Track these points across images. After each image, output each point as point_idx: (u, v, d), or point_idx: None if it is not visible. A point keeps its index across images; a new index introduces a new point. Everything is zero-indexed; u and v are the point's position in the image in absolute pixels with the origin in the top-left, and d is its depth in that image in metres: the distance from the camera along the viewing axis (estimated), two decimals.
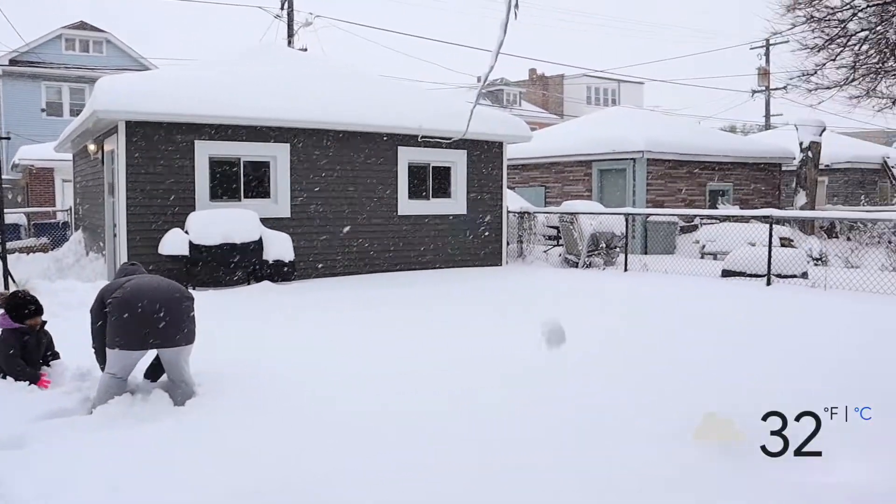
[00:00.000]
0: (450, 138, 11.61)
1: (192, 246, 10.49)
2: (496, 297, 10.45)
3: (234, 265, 10.78)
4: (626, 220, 14.07)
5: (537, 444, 4.41)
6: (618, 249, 14.37)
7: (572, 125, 23.82)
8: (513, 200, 16.92)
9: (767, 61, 34.19)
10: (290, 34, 22.89)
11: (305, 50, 22.02)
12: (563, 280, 12.17)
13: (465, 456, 4.21)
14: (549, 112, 46.90)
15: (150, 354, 5.45)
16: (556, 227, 16.50)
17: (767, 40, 30.86)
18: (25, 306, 5.62)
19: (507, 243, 15.18)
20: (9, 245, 11.91)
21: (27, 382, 5.49)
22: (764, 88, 34.82)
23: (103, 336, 5.23)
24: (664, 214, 16.41)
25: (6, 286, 10.34)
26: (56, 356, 5.92)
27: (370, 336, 7.56)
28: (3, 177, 13.59)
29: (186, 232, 10.64)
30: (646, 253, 16.88)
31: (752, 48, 34.62)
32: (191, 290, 5.77)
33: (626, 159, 18.41)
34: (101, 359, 5.39)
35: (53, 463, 4.13)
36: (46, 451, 4.29)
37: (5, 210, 11.11)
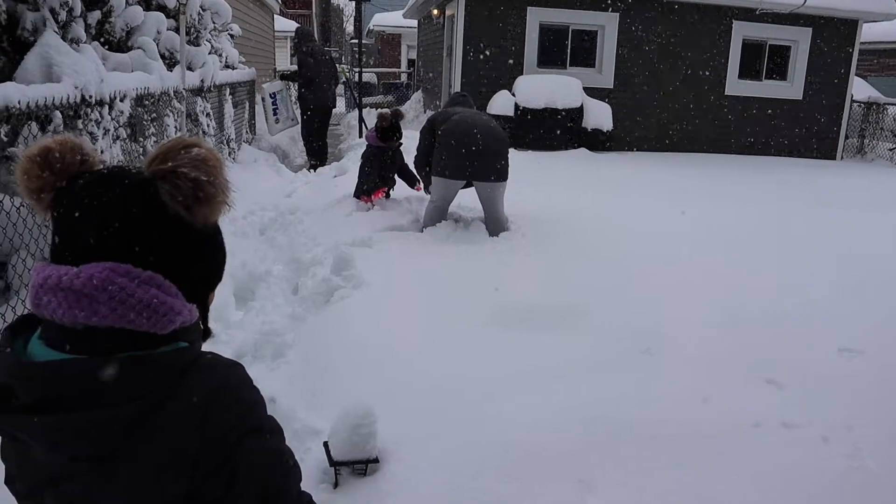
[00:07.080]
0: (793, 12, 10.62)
1: (517, 108, 11.15)
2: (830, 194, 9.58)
3: (554, 130, 11.27)
4: None
5: None
6: None
7: None
8: (860, 89, 15.18)
9: None
10: None
11: None
12: None
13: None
14: None
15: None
16: None
17: None
18: (393, 132, 6.61)
19: (846, 137, 13.81)
20: (363, 100, 13.61)
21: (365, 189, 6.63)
22: None
23: (427, 155, 6.04)
24: None
25: (360, 134, 11.94)
26: (411, 181, 6.91)
27: (680, 204, 7.51)
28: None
29: (513, 94, 11.30)
30: None
31: None
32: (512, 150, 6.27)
33: None
34: (423, 174, 6.32)
35: (389, 257, 5.10)
36: (385, 250, 5.27)
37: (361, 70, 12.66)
